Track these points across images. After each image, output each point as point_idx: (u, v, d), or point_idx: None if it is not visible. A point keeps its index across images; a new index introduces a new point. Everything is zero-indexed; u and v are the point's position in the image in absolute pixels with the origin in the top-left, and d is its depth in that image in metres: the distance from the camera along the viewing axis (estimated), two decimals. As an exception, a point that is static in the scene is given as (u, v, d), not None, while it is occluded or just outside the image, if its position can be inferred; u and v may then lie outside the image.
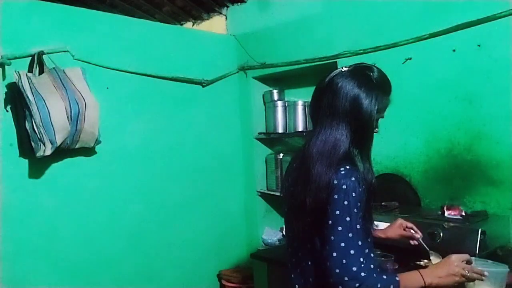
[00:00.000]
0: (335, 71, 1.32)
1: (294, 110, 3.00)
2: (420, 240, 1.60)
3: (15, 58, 2.15)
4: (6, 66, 2.12)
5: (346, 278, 1.13)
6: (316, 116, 1.31)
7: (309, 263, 1.30)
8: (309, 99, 3.09)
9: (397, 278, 1.19)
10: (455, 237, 1.75)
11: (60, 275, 2.30)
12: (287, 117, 3.08)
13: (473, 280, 1.30)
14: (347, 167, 1.20)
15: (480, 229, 1.70)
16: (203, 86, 3.02)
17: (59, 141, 2.09)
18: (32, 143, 2.10)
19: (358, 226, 1.18)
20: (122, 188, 2.57)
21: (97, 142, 2.34)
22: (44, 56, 2.20)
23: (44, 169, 2.26)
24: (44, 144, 2.06)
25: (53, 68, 2.21)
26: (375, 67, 1.32)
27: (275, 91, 3.16)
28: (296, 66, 2.87)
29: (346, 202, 1.17)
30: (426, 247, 1.61)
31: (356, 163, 1.25)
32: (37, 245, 2.23)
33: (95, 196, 2.45)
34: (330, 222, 1.18)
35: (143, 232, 2.67)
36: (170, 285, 2.79)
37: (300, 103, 2.98)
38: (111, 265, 2.51)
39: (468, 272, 1.27)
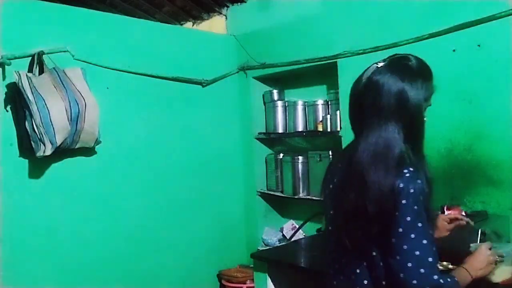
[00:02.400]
0: (370, 69, 1.23)
1: (294, 110, 3.00)
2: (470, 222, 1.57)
3: (15, 58, 2.15)
4: (6, 66, 2.12)
5: None
6: (358, 119, 1.23)
7: (358, 271, 1.21)
8: (309, 99, 3.11)
9: (456, 279, 1.17)
10: (455, 237, 1.74)
11: (60, 275, 2.30)
12: (287, 117, 3.08)
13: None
14: (411, 169, 1.12)
15: (480, 229, 1.70)
16: (203, 86, 3.02)
17: (59, 141, 2.09)
18: (32, 143, 2.10)
19: (430, 232, 1.13)
20: (122, 188, 2.57)
21: (97, 142, 2.34)
22: (44, 56, 2.20)
23: (44, 169, 2.26)
24: (44, 144, 2.06)
25: (53, 68, 2.21)
26: (411, 55, 1.24)
27: (275, 91, 3.16)
28: (296, 66, 2.87)
29: (416, 207, 1.09)
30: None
31: (414, 162, 1.16)
32: (37, 245, 2.23)
33: (95, 196, 2.45)
34: (400, 230, 1.09)
35: (143, 232, 2.66)
36: (170, 285, 2.79)
37: (300, 103, 2.98)
38: (111, 265, 2.50)
39: (497, 258, 1.33)
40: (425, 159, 1.21)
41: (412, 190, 1.09)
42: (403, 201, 1.09)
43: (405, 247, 1.09)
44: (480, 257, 1.29)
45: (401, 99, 1.15)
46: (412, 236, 1.09)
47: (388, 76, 1.17)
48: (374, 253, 1.17)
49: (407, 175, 1.11)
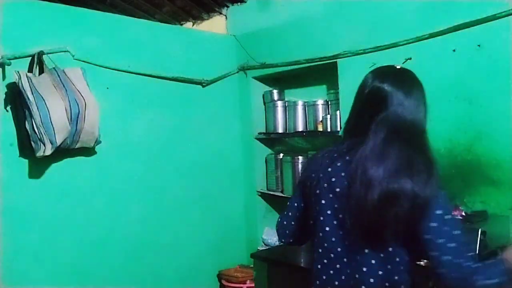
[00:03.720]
0: (382, 74, 1.27)
1: (294, 110, 3.00)
2: None
3: (15, 58, 2.15)
4: (6, 66, 2.12)
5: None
6: (365, 122, 1.23)
7: (364, 269, 1.23)
8: (309, 99, 3.10)
9: (501, 258, 1.19)
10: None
11: (60, 275, 2.30)
12: (287, 117, 3.08)
13: None
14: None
15: (480, 229, 1.70)
16: (203, 86, 3.02)
17: (59, 141, 2.09)
18: (32, 143, 2.10)
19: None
20: (121, 188, 2.57)
21: (97, 142, 2.34)
22: (44, 56, 2.20)
23: (44, 169, 2.26)
24: (44, 144, 2.06)
25: (53, 68, 2.21)
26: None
27: (275, 91, 3.16)
28: (296, 66, 2.87)
29: (445, 202, 1.21)
30: None
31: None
32: (37, 245, 2.23)
33: (95, 196, 2.45)
34: (433, 224, 1.16)
35: (143, 232, 2.67)
36: (170, 285, 2.79)
37: (300, 103, 2.98)
38: (110, 265, 2.50)
39: None
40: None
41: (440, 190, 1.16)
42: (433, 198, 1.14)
43: (440, 241, 1.12)
44: None
45: (419, 111, 1.21)
46: (446, 229, 1.13)
47: (398, 85, 1.22)
48: (390, 248, 1.20)
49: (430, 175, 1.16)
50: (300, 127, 2.98)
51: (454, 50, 2.14)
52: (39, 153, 2.07)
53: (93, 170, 2.44)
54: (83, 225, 2.40)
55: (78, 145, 2.26)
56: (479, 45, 2.06)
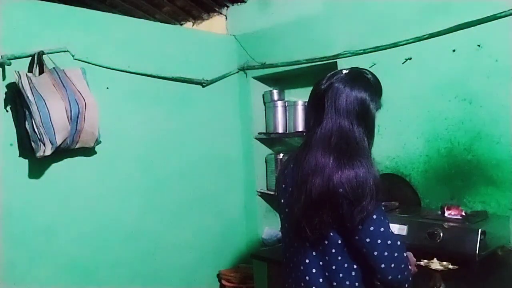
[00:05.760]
0: (333, 75, 1.32)
1: (294, 110, 3.00)
2: None
3: (15, 58, 2.15)
4: (6, 66, 2.12)
5: None
6: (315, 117, 1.31)
7: (307, 261, 1.34)
8: (309, 99, 3.08)
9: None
10: (455, 237, 1.75)
11: (60, 275, 2.30)
12: (287, 117, 3.08)
13: None
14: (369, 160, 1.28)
15: (480, 229, 1.70)
16: (203, 86, 3.02)
17: (59, 141, 2.10)
18: (32, 143, 2.10)
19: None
20: (121, 188, 2.57)
21: (97, 142, 2.34)
22: (44, 56, 2.20)
23: (44, 169, 2.26)
24: (44, 144, 2.06)
25: (53, 68, 2.21)
26: (369, 70, 1.36)
27: (275, 91, 3.16)
28: (296, 66, 2.87)
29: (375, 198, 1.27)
30: None
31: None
32: (37, 245, 2.23)
33: (95, 196, 2.45)
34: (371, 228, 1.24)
35: (143, 232, 2.67)
36: (170, 285, 2.79)
37: (300, 103, 2.98)
38: (111, 265, 2.51)
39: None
40: (374, 161, 1.31)
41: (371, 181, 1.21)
42: (360, 190, 1.19)
43: (379, 241, 1.22)
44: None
45: (363, 107, 1.26)
46: (381, 229, 1.23)
47: (353, 84, 1.27)
48: (326, 242, 1.27)
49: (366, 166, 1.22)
50: (300, 127, 2.98)
51: (454, 50, 2.15)
52: (39, 153, 2.07)
53: (93, 170, 2.44)
54: (82, 225, 2.39)
55: (78, 145, 2.26)
56: (479, 45, 2.06)
